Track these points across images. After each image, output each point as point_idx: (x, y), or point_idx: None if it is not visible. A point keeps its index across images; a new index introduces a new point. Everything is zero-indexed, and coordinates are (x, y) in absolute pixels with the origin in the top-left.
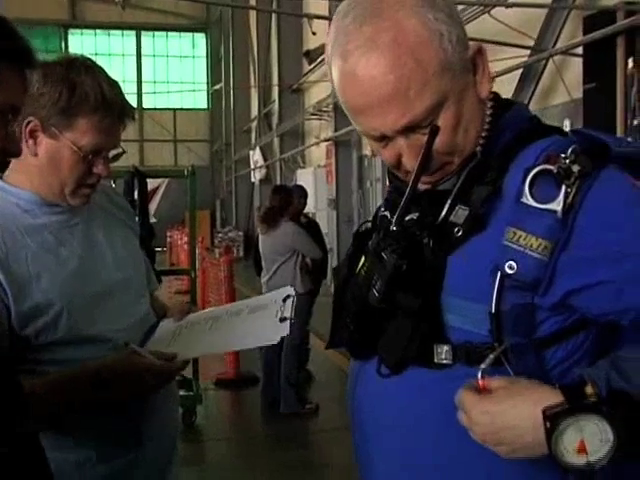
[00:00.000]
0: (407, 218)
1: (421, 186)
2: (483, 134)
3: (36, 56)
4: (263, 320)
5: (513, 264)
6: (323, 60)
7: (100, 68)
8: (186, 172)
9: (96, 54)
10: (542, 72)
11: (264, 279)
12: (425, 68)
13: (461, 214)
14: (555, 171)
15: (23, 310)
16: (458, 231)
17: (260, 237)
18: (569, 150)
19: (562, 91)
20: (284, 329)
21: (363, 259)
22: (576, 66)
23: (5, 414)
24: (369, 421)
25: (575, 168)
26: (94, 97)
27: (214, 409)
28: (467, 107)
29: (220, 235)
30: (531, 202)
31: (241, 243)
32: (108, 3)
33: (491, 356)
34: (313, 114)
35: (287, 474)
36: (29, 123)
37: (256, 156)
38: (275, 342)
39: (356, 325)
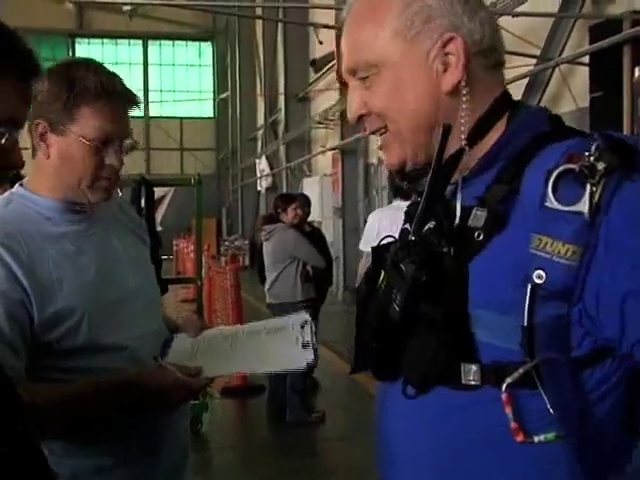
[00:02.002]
0: (425, 228)
1: (387, 164)
2: (462, 128)
3: (40, 67)
4: (285, 344)
5: (542, 273)
6: (329, 69)
7: (100, 65)
8: (192, 181)
9: (103, 63)
10: (548, 81)
11: (266, 287)
12: (379, 25)
13: (479, 216)
14: (578, 170)
15: (45, 316)
16: (479, 235)
17: (264, 244)
18: (592, 147)
19: (569, 100)
20: (309, 355)
21: (383, 273)
22: (583, 75)
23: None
24: (396, 444)
25: (600, 166)
26: (94, 87)
27: (220, 417)
28: (411, 84)
29: (226, 243)
30: (555, 205)
31: (247, 251)
32: (115, 12)
33: (520, 370)
34: (319, 123)
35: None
36: (37, 126)
37: (262, 165)
38: (302, 369)
39: (378, 344)
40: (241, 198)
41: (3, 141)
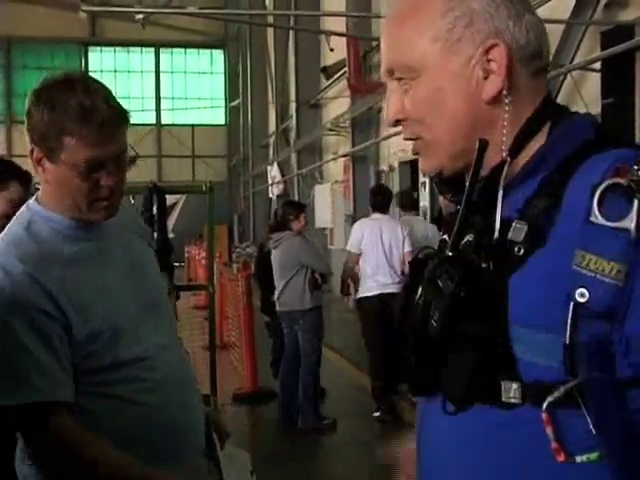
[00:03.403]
0: (463, 241)
1: (422, 169)
2: (504, 139)
3: None
4: None
5: (584, 291)
6: (340, 76)
7: (83, 80)
8: (204, 188)
9: (115, 71)
10: (560, 87)
11: (276, 296)
12: (419, 26)
13: (519, 230)
14: (626, 185)
15: (82, 335)
16: (519, 250)
17: (272, 252)
18: None
19: (580, 106)
20: None
21: (420, 288)
22: (594, 81)
23: None
24: (435, 460)
25: None
26: (75, 113)
27: (231, 424)
28: (450, 90)
29: (238, 250)
30: (600, 221)
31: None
32: (128, 21)
33: (561, 389)
34: (330, 130)
35: None
36: (32, 152)
37: (274, 171)
38: None
39: (417, 360)
40: (253, 205)
41: None
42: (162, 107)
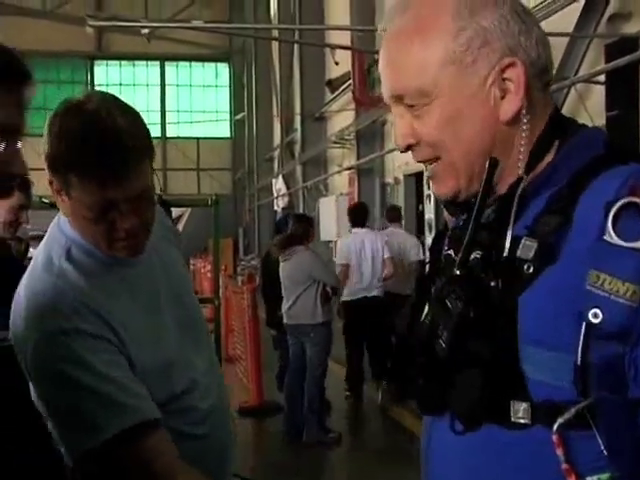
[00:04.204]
0: (471, 258)
1: (437, 193)
2: (520, 157)
3: (29, 72)
4: None
5: (598, 312)
6: (345, 89)
7: (96, 111)
8: (210, 201)
9: (120, 84)
10: (564, 100)
11: (285, 308)
12: (427, 51)
13: (528, 247)
14: None
15: (138, 371)
16: (528, 268)
17: (280, 265)
18: None
19: (585, 119)
20: None
21: (427, 307)
22: (599, 94)
23: None
24: (441, 478)
25: None
26: (76, 148)
27: (237, 437)
28: (467, 114)
29: (243, 263)
30: (615, 240)
31: None
32: (133, 35)
33: (572, 410)
34: (335, 142)
35: None
36: (52, 183)
37: (279, 184)
38: None
39: (425, 378)
40: (258, 218)
41: (1, 150)
42: (167, 120)
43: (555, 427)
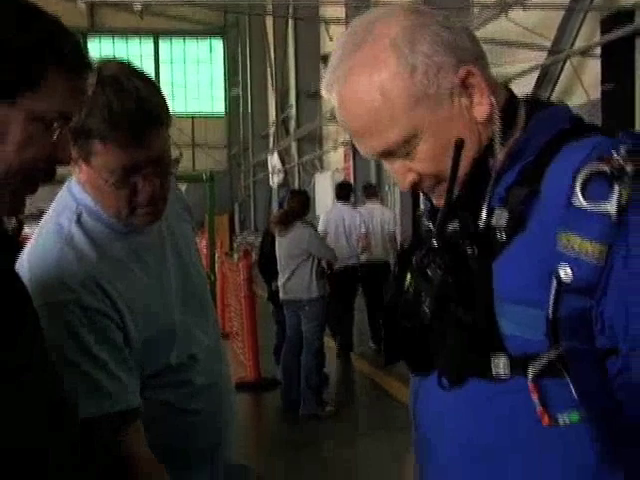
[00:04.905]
0: (448, 230)
1: (436, 202)
2: (498, 139)
3: (89, 61)
4: None
5: (568, 270)
6: None
7: (115, 77)
8: (204, 177)
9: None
10: (560, 73)
11: (280, 282)
12: (393, 102)
13: (501, 217)
14: (608, 172)
15: (138, 341)
16: (502, 235)
17: (277, 239)
18: (621, 149)
19: (580, 92)
20: None
21: (409, 276)
22: (594, 67)
23: None
24: (430, 432)
25: (629, 168)
26: (99, 114)
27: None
28: (454, 134)
29: (239, 240)
30: (583, 204)
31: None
32: (127, 10)
33: (544, 359)
34: (331, 118)
35: (301, 472)
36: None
37: (274, 161)
38: None
39: (413, 341)
40: (253, 194)
41: (55, 137)
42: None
43: (530, 375)
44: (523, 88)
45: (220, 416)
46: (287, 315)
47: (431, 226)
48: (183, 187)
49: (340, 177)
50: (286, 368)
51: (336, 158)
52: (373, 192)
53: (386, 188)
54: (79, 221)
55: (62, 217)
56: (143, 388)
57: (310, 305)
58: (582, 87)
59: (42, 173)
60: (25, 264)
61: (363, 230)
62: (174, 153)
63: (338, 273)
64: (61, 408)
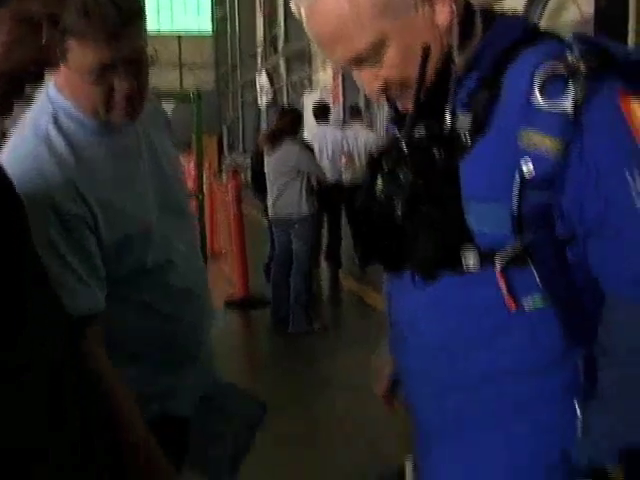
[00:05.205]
0: (416, 135)
1: (402, 107)
2: (453, 50)
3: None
4: None
5: (530, 165)
6: None
7: None
8: (192, 96)
9: None
10: None
11: (270, 201)
12: (359, 10)
13: (465, 120)
14: (564, 71)
15: (112, 241)
16: (466, 138)
17: (265, 159)
18: (575, 50)
19: (573, 9)
20: None
21: (380, 181)
22: None
23: None
24: (405, 325)
25: (582, 67)
26: (73, 10)
27: (223, 329)
28: (419, 41)
29: (227, 161)
30: (541, 103)
31: (249, 168)
32: None
33: (510, 251)
34: None
35: (291, 387)
36: None
37: (262, 80)
38: None
39: (386, 242)
40: (242, 115)
41: (44, 39)
42: (146, 12)
43: (497, 266)
44: (513, 3)
45: (198, 323)
46: (276, 234)
47: (397, 132)
48: (170, 107)
49: (328, 97)
50: (275, 286)
51: (325, 77)
52: (358, 113)
53: (375, 106)
54: (56, 122)
55: (39, 120)
56: (119, 288)
57: (300, 223)
58: (575, 3)
59: (31, 76)
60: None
61: (346, 148)
62: (150, 51)
63: (323, 190)
64: (61, 408)
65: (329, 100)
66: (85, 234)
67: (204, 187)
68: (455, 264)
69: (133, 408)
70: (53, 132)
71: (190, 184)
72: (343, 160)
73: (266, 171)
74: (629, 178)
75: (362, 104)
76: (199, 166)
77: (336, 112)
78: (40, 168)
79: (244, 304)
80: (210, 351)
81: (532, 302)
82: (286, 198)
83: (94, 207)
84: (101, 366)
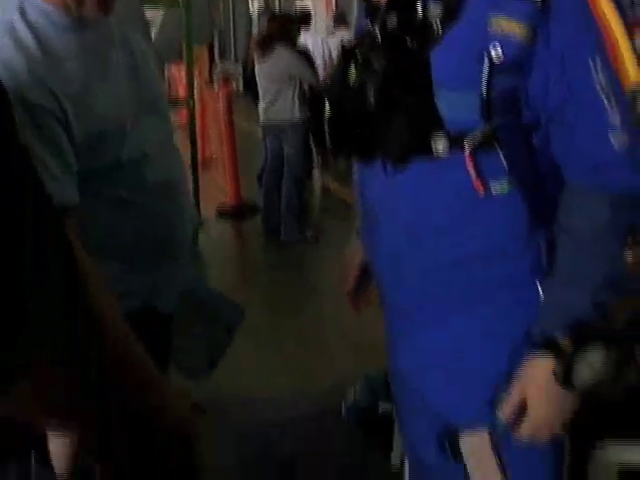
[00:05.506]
0: (389, 26)
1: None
2: None
3: None
4: None
5: (499, 50)
6: None
7: None
8: (180, 1)
9: None
10: None
11: (261, 108)
12: None
13: (436, 9)
14: None
15: (84, 135)
16: (437, 26)
17: (256, 65)
18: None
19: None
20: None
21: (354, 70)
22: None
23: None
24: (377, 212)
25: None
26: None
27: (215, 237)
28: None
29: (219, 69)
30: None
31: (240, 76)
32: None
33: (479, 135)
34: None
35: (283, 293)
36: None
37: None
38: None
39: (359, 130)
40: (233, 22)
41: None
42: None
43: (466, 150)
44: None
45: (178, 216)
46: (268, 141)
47: (369, 25)
48: (159, 14)
49: (321, 4)
50: (267, 193)
51: None
52: (343, 20)
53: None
54: (23, 15)
55: (5, 14)
56: (93, 183)
57: (292, 129)
58: None
59: None
60: None
61: (327, 54)
62: None
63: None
64: None
65: (321, 7)
66: (57, 132)
67: (195, 94)
68: (425, 149)
69: (113, 303)
70: (19, 24)
71: (182, 95)
72: (326, 67)
73: (257, 79)
74: (591, 65)
75: (355, 7)
76: (189, 72)
77: (328, 19)
78: (4, 60)
79: (236, 212)
80: (197, 256)
81: (499, 186)
82: (279, 105)
83: (64, 102)
84: (79, 255)
